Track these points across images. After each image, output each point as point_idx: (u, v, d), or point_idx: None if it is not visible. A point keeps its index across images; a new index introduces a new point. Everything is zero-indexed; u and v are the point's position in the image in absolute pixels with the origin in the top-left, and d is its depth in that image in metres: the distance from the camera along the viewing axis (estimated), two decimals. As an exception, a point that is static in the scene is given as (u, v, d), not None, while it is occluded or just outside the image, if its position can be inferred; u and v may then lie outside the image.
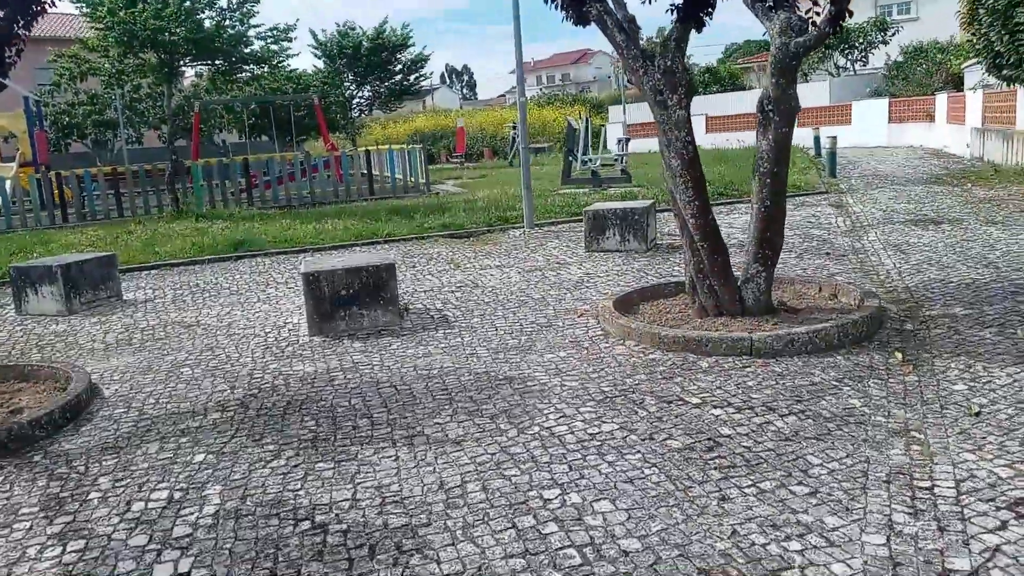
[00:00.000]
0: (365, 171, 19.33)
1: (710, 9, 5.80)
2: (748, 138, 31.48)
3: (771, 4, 5.81)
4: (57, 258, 8.71)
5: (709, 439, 3.86)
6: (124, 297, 8.64)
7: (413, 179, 18.78)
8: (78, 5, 19.54)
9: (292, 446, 4.14)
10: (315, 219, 13.69)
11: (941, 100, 23.88)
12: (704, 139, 32.81)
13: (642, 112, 37.86)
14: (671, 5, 5.67)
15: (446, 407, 4.56)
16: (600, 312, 6.24)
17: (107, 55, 21.34)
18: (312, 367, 5.55)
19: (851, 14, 5.60)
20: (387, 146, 21.93)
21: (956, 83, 25.08)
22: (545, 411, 4.39)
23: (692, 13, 5.66)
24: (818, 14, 5.75)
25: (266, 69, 23.81)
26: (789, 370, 4.82)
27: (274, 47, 22.40)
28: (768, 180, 5.77)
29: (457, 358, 5.53)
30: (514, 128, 31.65)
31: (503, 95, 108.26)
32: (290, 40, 22.73)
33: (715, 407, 4.29)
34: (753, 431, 3.93)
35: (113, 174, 17.31)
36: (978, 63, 21.90)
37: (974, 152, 19.09)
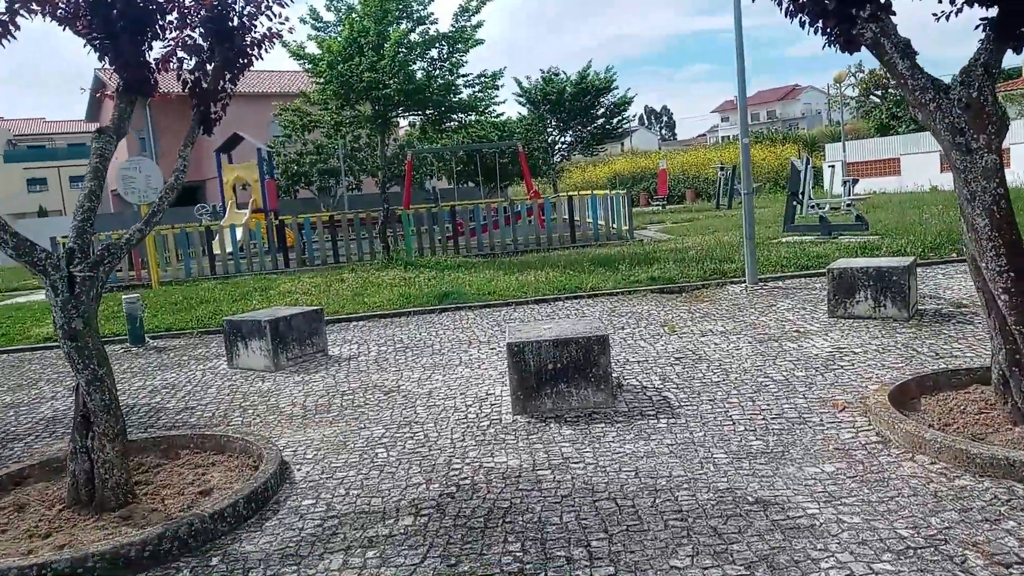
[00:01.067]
0: (567, 217, 18.83)
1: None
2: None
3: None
4: (268, 311, 8.75)
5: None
6: (329, 352, 8.48)
7: (616, 225, 17.97)
8: (300, 62, 20.87)
9: (493, 581, 3.35)
10: (518, 269, 13.24)
11: None
12: (937, 179, 29.39)
13: (864, 150, 34.75)
14: (981, 20, 4.39)
15: (683, 541, 3.56)
16: (871, 408, 4.96)
17: (327, 107, 22.65)
18: (516, 460, 4.77)
19: None
20: (589, 191, 21.36)
21: None
22: (822, 564, 3.27)
23: (1011, 29, 4.35)
24: None
25: (473, 117, 24.23)
26: None
27: (481, 95, 22.72)
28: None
29: (688, 463, 4.52)
30: (722, 169, 30.06)
31: (703, 135, 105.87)
32: (497, 88, 22.94)
33: (1088, 585, 2.95)
34: None
35: (331, 221, 18.10)
36: None
37: None
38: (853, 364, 6.25)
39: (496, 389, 6.40)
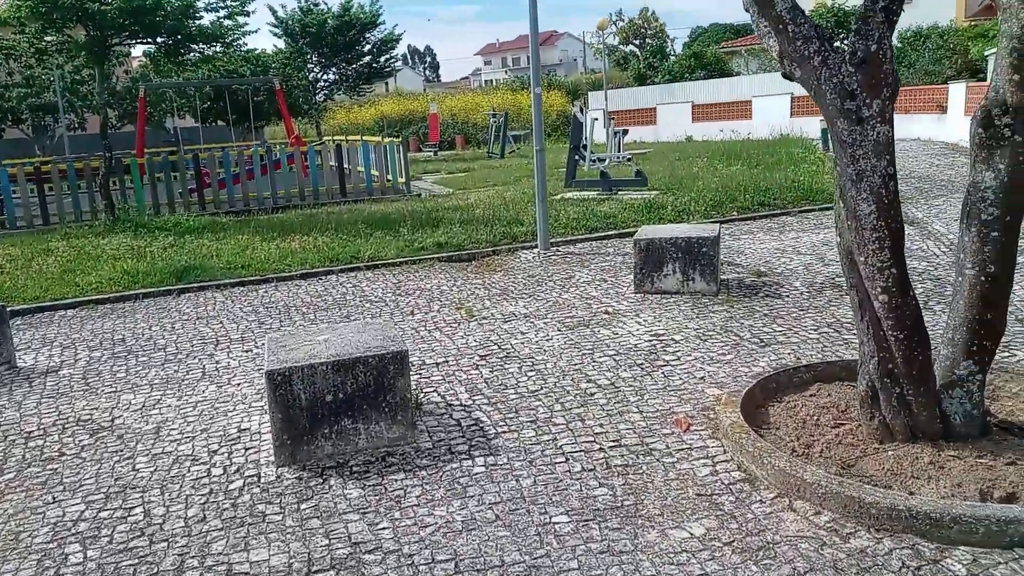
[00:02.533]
0: (335, 165, 16.95)
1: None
2: (737, 127, 29.64)
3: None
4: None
5: None
6: (19, 363, 6.30)
7: (391, 177, 16.42)
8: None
9: None
10: (279, 232, 11.33)
11: (957, 90, 22.15)
12: (691, 128, 30.95)
13: (623, 99, 35.80)
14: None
15: None
16: (725, 430, 4.12)
17: (23, 30, 18.38)
18: (283, 556, 3.33)
19: None
20: (359, 138, 19.52)
21: (972, 71, 23.40)
22: None
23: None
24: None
25: (219, 48, 21.02)
26: None
27: (228, 22, 19.64)
28: (994, 233, 3.67)
29: (523, 536, 3.37)
30: (494, 116, 29.36)
31: (466, 77, 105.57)
32: (247, 14, 19.98)
33: None
34: None
35: (36, 172, 14.69)
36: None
37: (1010, 149, 17.35)
38: (679, 357, 5.47)
39: (253, 420, 4.84)
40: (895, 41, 29.38)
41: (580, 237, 10.24)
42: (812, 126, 25.64)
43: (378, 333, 4.59)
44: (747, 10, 3.94)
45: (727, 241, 9.36)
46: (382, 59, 34.00)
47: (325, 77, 33.32)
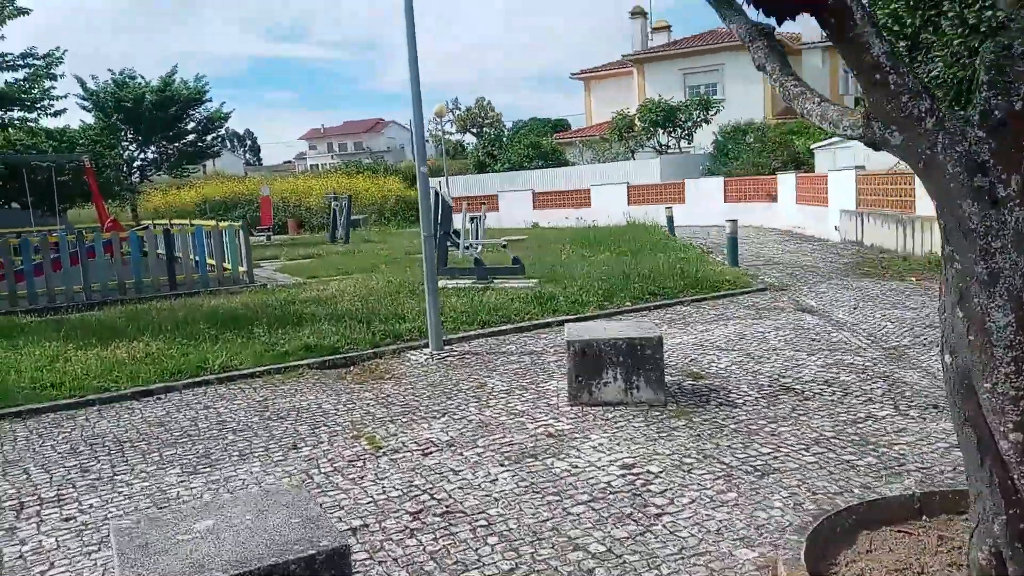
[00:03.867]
0: (162, 253, 14.71)
1: None
2: (579, 214, 30.03)
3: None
4: None
5: None
6: None
7: (230, 266, 14.43)
8: None
9: None
10: (99, 336, 9.16)
11: (787, 180, 23.58)
12: (533, 215, 31.04)
13: (469, 185, 35.56)
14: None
15: None
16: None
17: None
18: None
19: None
20: (189, 222, 17.36)
21: (798, 163, 25.09)
22: None
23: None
24: None
25: (18, 113, 18.11)
26: None
27: (30, 83, 16.92)
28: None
29: None
30: (336, 199, 27.82)
31: (290, 161, 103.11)
32: (54, 77, 17.36)
33: None
34: None
35: None
36: (833, 144, 21.78)
37: (847, 236, 18.33)
38: (671, 500, 4.32)
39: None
40: (717, 136, 31.43)
41: (473, 333, 9.03)
42: (653, 213, 26.40)
43: (290, 512, 3.08)
44: (761, 67, 3.07)
45: (638, 336, 8.50)
46: (208, 138, 31.57)
47: (143, 156, 30.33)
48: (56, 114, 19.89)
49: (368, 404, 6.52)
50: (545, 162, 36.57)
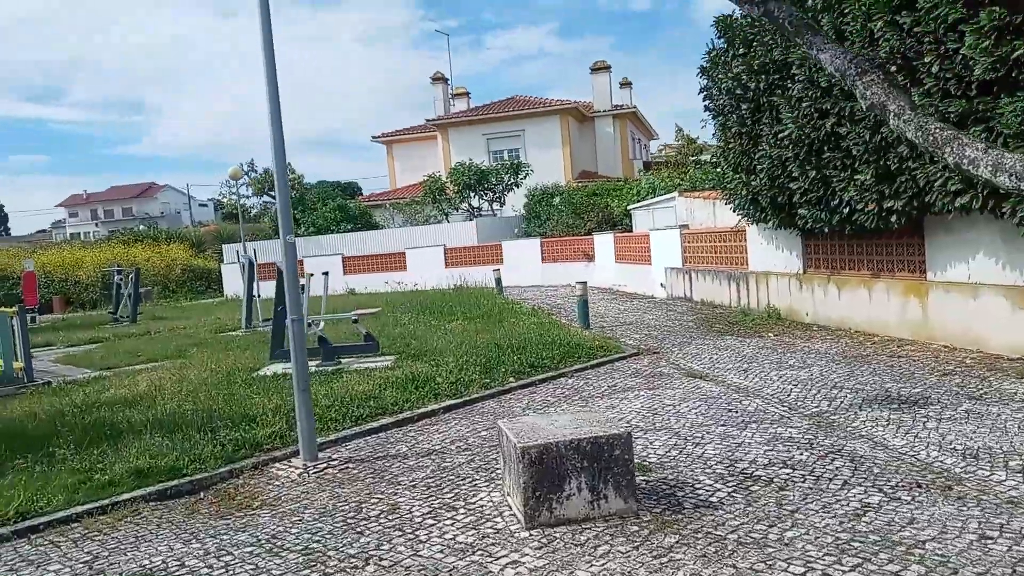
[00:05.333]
0: None
1: None
2: (397, 278, 28.83)
3: None
4: None
5: None
6: None
7: (1, 363, 11.52)
8: None
9: None
10: None
11: (605, 239, 24.02)
12: (345, 281, 29.41)
13: (269, 251, 33.05)
14: None
15: None
16: None
17: None
18: None
19: None
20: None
21: (612, 223, 25.70)
22: None
23: None
24: None
25: None
26: None
27: None
28: None
29: None
30: (119, 272, 24.36)
31: (45, 230, 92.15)
32: None
33: None
34: None
35: None
36: (652, 204, 22.44)
37: (674, 292, 18.72)
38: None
39: None
40: (527, 198, 31.74)
41: (348, 433, 7.50)
42: (472, 275, 25.81)
43: None
44: (877, 107, 2.26)
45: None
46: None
47: None
48: None
49: (249, 554, 4.85)
50: (354, 225, 34.97)
